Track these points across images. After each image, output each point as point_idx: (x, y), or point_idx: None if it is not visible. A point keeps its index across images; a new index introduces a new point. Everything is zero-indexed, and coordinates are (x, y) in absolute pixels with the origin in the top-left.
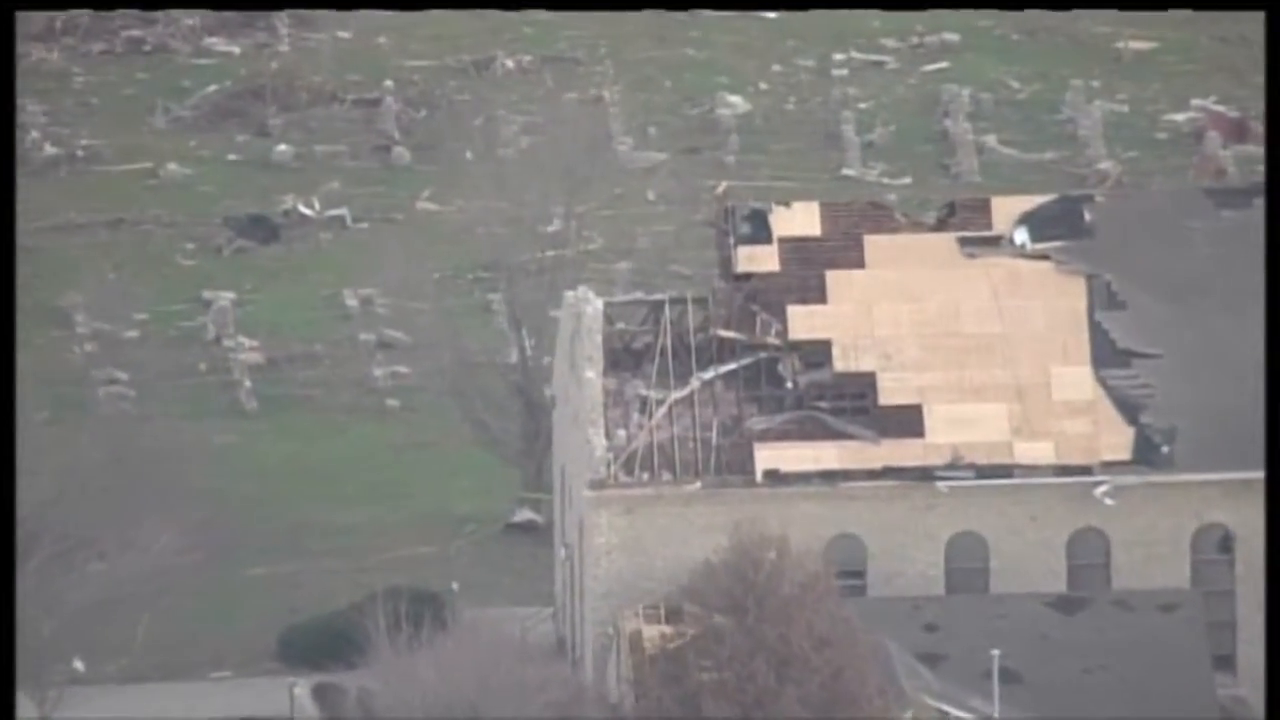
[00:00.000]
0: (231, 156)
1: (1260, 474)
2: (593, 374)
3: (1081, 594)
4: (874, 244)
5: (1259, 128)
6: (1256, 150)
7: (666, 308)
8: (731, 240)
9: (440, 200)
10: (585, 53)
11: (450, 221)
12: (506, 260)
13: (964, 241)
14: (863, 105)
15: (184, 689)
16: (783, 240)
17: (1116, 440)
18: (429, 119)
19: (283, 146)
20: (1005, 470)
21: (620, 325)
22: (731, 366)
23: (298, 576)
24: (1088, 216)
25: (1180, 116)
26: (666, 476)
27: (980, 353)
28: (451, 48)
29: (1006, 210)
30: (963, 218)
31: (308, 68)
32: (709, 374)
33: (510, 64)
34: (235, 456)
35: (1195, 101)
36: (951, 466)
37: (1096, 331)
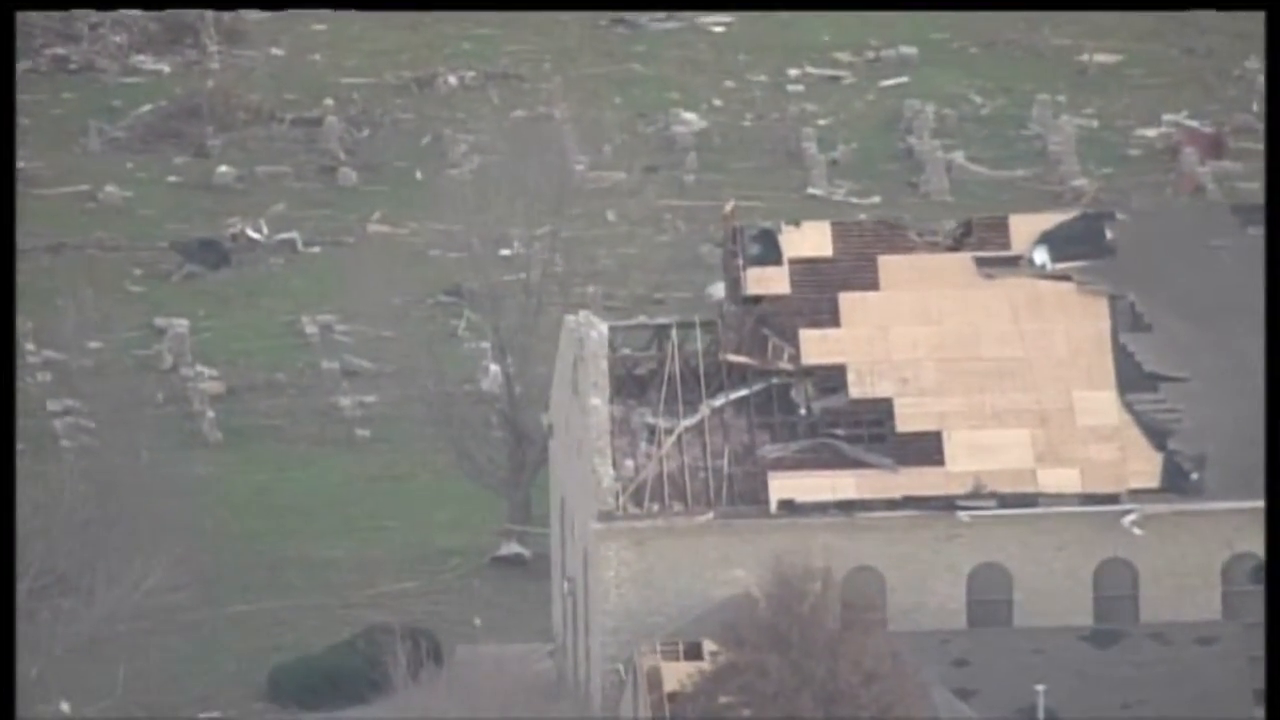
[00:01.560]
0: (171, 178)
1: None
2: (598, 401)
3: (1116, 627)
4: (888, 264)
5: (1234, 143)
6: (1234, 166)
7: (674, 332)
8: (740, 262)
9: (392, 223)
10: (529, 69)
11: (404, 245)
12: (470, 284)
13: (981, 262)
14: (821, 121)
15: None
16: (793, 261)
17: (1144, 467)
18: (372, 138)
19: (224, 168)
20: (1029, 499)
21: (626, 350)
22: (743, 393)
23: (280, 614)
24: (1109, 235)
25: (1152, 132)
26: (677, 507)
27: (1001, 377)
28: (390, 64)
29: (1025, 229)
30: (979, 237)
31: (243, 86)
32: (719, 401)
33: (453, 80)
34: (204, 489)
35: (1167, 117)
36: (973, 495)
37: (1121, 354)
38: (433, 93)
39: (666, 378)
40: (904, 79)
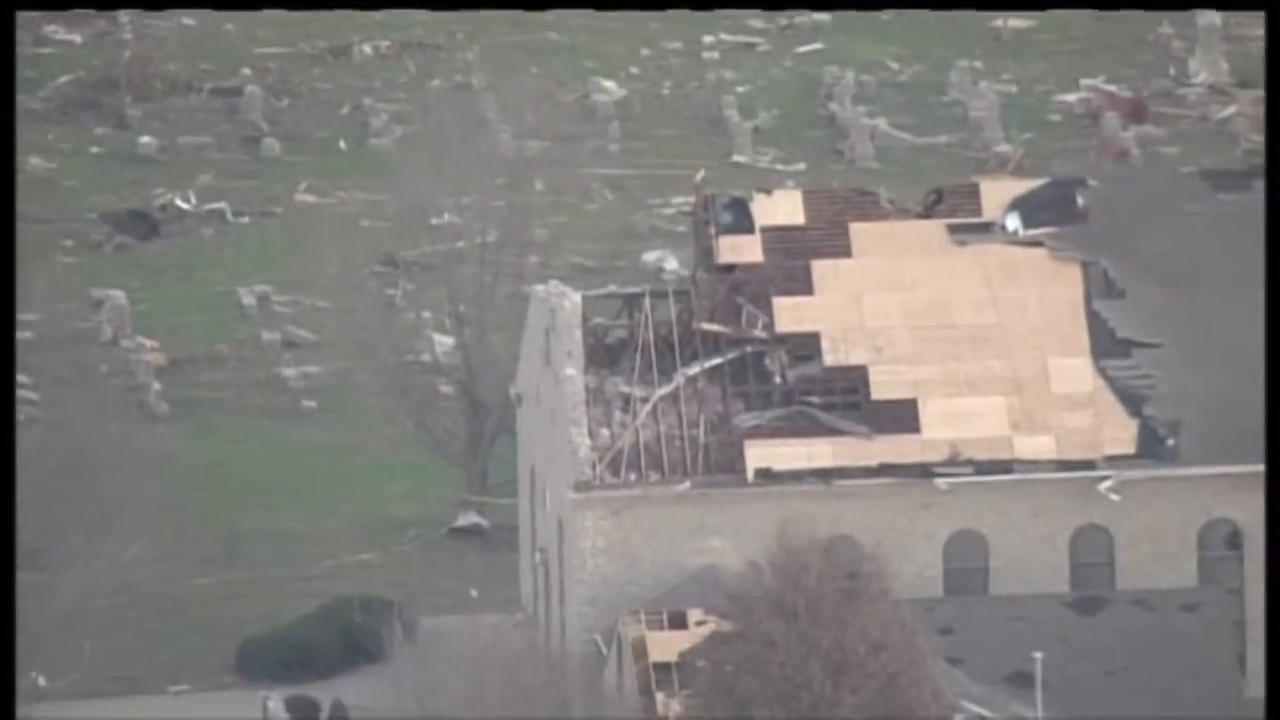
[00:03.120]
0: (94, 149)
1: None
2: (573, 371)
3: (1099, 593)
4: (860, 232)
5: (1155, 108)
6: (1156, 131)
7: (647, 301)
8: (712, 230)
9: (318, 193)
10: (444, 38)
11: (333, 214)
12: (406, 254)
13: (954, 229)
14: (740, 89)
15: (149, 703)
16: (765, 229)
17: (1119, 434)
18: (292, 108)
19: (146, 138)
20: (1006, 466)
21: (599, 319)
22: (716, 361)
23: (242, 586)
24: (1080, 202)
25: (1071, 97)
26: (654, 476)
27: (975, 344)
28: (303, 34)
29: (996, 196)
30: (951, 204)
31: (159, 57)
32: (693, 370)
33: (368, 50)
34: (156, 462)
35: (1085, 82)
36: (950, 463)
37: (1095, 321)
38: (348, 62)
39: (640, 346)
40: (818, 45)
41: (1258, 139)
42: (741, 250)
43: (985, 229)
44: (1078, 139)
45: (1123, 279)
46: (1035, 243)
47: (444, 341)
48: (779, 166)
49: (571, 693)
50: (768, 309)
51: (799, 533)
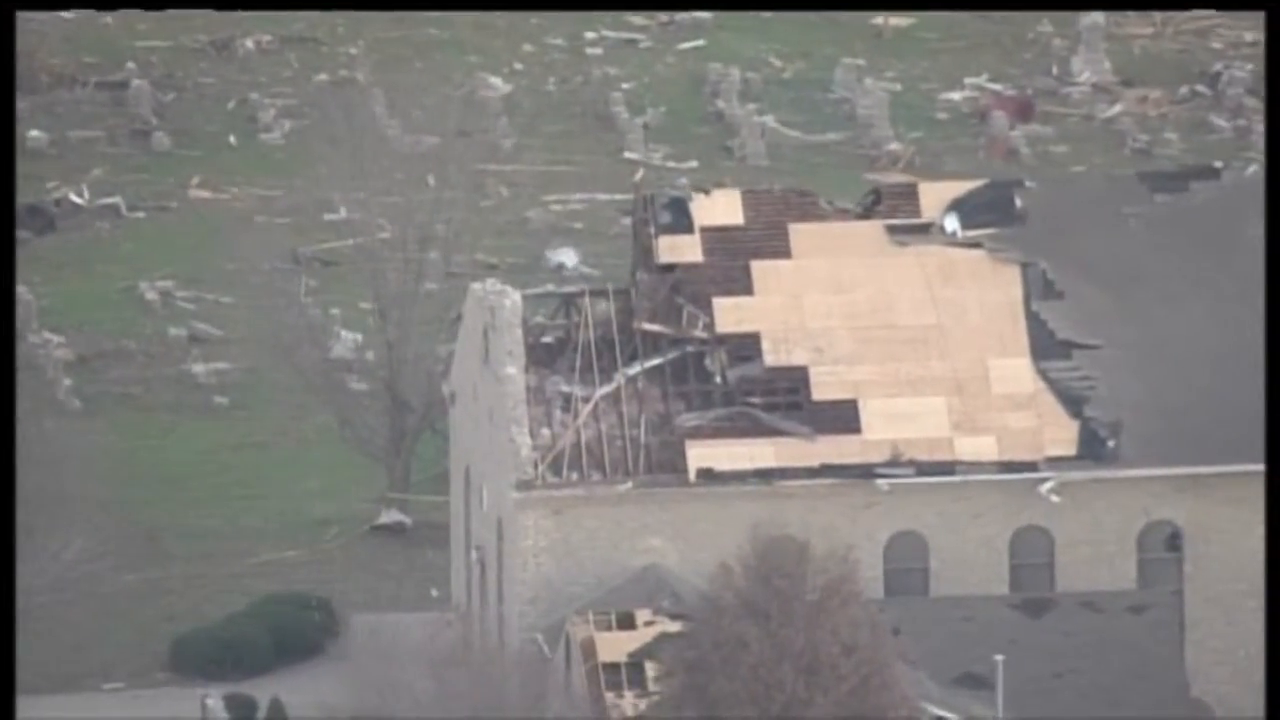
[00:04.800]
0: None
1: (1210, 469)
2: (514, 370)
3: (1046, 595)
4: (799, 233)
5: (1041, 107)
6: (1044, 130)
7: (587, 300)
8: (652, 230)
9: (211, 188)
10: (325, 32)
11: (227, 210)
12: (307, 249)
13: (893, 230)
14: (625, 86)
15: (86, 700)
16: (705, 229)
17: (1060, 435)
18: (179, 102)
19: (35, 132)
20: (947, 467)
21: (540, 318)
22: (657, 361)
23: (166, 583)
24: (1019, 203)
25: (956, 95)
26: (596, 476)
27: (915, 345)
28: (184, 27)
29: (934, 197)
30: (889, 205)
31: (43, 50)
32: (634, 369)
33: (250, 44)
34: (70, 458)
35: (969, 80)
36: (891, 464)
37: (1034, 322)
38: (231, 56)
39: (580, 346)
40: (701, 42)
41: (1145, 138)
42: (681, 250)
43: (924, 230)
44: (965, 137)
45: (1061, 280)
46: (974, 244)
47: (352, 338)
48: (671, 164)
49: (534, 692)
50: (708, 309)
51: (771, 535)
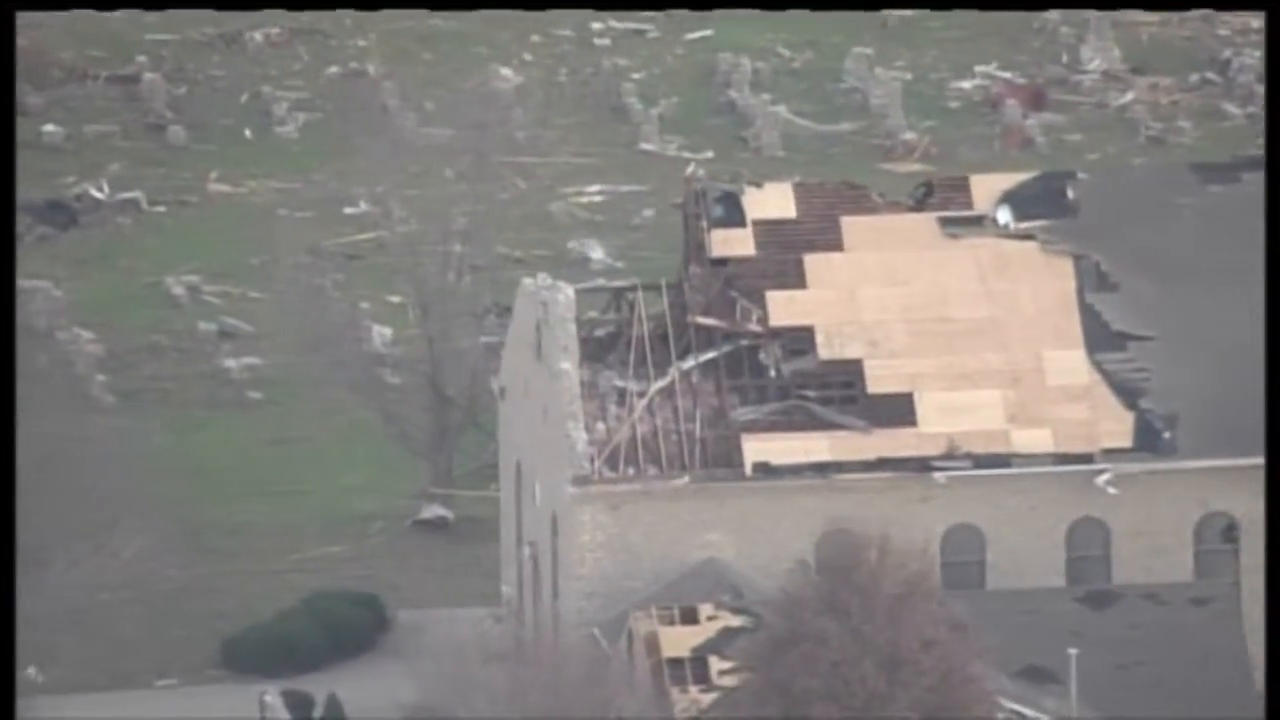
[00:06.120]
0: None
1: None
2: (568, 365)
3: (1109, 588)
4: (852, 225)
5: (1052, 95)
6: (1056, 118)
7: (640, 294)
8: (704, 223)
9: (230, 181)
10: (331, 24)
11: (248, 204)
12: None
13: (945, 222)
14: (636, 76)
15: (142, 697)
16: (757, 223)
17: (1116, 426)
18: (191, 96)
19: (50, 127)
20: (1003, 460)
21: (593, 313)
22: (711, 355)
23: (214, 580)
24: (1071, 194)
25: (967, 84)
26: (652, 471)
27: (970, 337)
28: (191, 20)
29: (986, 189)
30: (942, 197)
31: (53, 44)
32: (688, 363)
33: (259, 37)
34: (109, 454)
35: (979, 68)
36: (948, 456)
37: (1088, 314)
38: (241, 49)
39: (634, 340)
40: (708, 32)
41: (1159, 126)
42: (733, 244)
43: (977, 222)
44: (979, 126)
45: (1115, 272)
46: (1027, 236)
47: (383, 332)
48: (686, 154)
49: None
50: (761, 303)
51: (849, 530)
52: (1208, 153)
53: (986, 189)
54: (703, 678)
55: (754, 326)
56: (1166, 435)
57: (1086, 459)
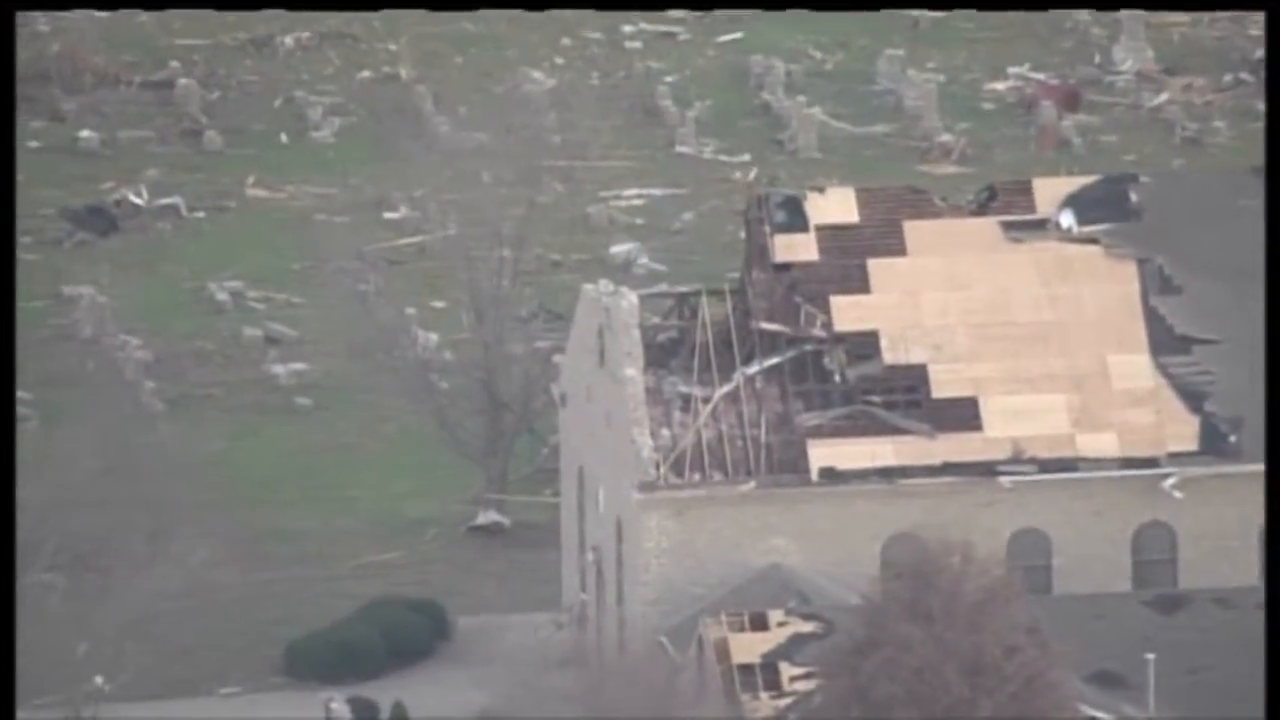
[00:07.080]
0: (33, 144)
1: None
2: (633, 371)
3: (1180, 592)
4: (914, 230)
5: (1088, 96)
6: (1090, 119)
7: (704, 300)
8: (767, 229)
9: (268, 186)
10: (361, 28)
11: (286, 209)
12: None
13: (1008, 226)
14: (669, 79)
15: (207, 705)
16: (820, 228)
17: (1181, 430)
18: (225, 100)
19: (86, 132)
20: (1069, 464)
21: (656, 319)
22: (775, 360)
23: (272, 587)
24: (1134, 198)
25: (1001, 85)
26: (718, 477)
27: (1034, 341)
28: (220, 25)
29: (1048, 193)
30: (1004, 201)
31: (84, 49)
32: (752, 369)
33: (289, 42)
34: (163, 461)
35: (1012, 70)
36: (1013, 461)
37: (1152, 317)
38: (272, 54)
39: (698, 346)
40: (739, 34)
41: (1194, 126)
42: (797, 249)
43: (1039, 226)
44: (1014, 128)
45: (1178, 275)
46: (1090, 240)
47: (430, 337)
48: (723, 158)
49: (682, 694)
50: (825, 308)
51: (933, 536)
52: (1244, 153)
53: (1049, 193)
54: (774, 684)
55: (818, 331)
56: (1232, 438)
57: (1152, 463)
